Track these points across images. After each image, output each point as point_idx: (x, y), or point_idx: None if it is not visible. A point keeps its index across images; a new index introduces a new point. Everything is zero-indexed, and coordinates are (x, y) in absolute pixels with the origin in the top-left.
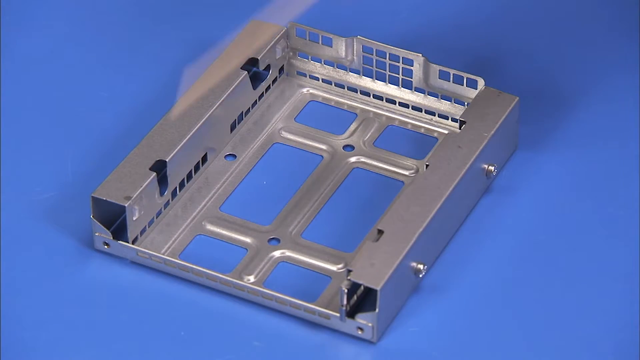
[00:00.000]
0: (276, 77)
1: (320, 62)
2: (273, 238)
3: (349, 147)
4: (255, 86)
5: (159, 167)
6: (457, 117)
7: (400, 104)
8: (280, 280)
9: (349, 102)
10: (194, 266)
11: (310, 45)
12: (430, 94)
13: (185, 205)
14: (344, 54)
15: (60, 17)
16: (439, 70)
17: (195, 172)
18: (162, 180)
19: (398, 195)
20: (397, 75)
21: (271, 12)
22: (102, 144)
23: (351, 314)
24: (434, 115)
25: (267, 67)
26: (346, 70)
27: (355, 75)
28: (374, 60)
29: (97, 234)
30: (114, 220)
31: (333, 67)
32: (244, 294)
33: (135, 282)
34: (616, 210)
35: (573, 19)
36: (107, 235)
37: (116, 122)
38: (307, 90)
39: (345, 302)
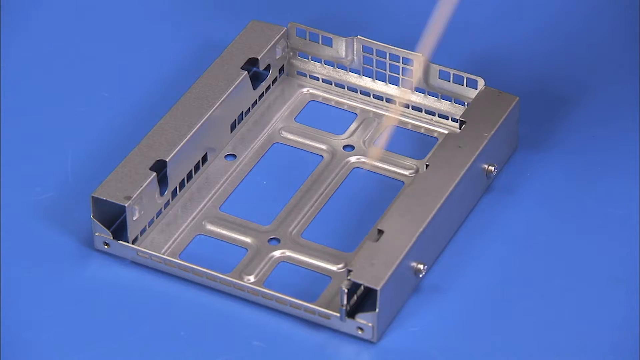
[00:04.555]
0: (276, 77)
1: (320, 62)
2: (273, 238)
3: (349, 147)
4: (255, 86)
5: (159, 167)
6: (457, 117)
7: (400, 104)
8: (280, 280)
9: (349, 102)
10: (194, 266)
11: (310, 45)
12: (430, 94)
13: (185, 205)
14: (344, 54)
15: (61, 17)
16: (439, 70)
17: (195, 172)
18: (162, 180)
19: (398, 195)
20: (397, 75)
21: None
22: (102, 144)
23: (351, 314)
24: (434, 115)
25: (267, 67)
26: (346, 70)
27: (355, 75)
28: (374, 60)
29: (97, 234)
30: (114, 220)
31: (333, 67)
32: (244, 294)
33: (135, 282)
34: (616, 210)
35: (573, 19)
36: (107, 235)
37: (116, 122)
38: (307, 90)
39: (345, 302)
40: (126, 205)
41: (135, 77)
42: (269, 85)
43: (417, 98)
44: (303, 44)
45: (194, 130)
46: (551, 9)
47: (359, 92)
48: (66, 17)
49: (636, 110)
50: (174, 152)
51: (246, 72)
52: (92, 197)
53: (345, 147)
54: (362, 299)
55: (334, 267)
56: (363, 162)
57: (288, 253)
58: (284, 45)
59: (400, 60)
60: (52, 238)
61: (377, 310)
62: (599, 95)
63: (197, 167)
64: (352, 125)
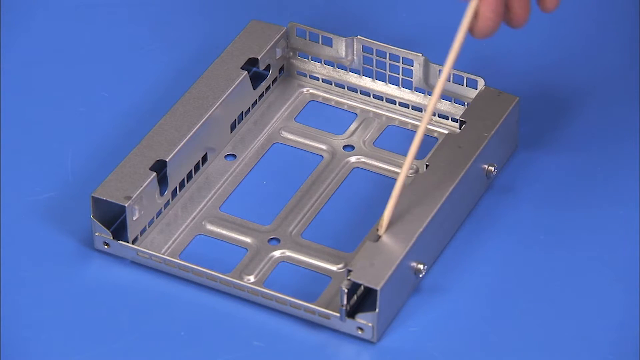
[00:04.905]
0: (276, 77)
1: (320, 62)
2: (273, 238)
3: (349, 147)
4: (255, 86)
5: (159, 167)
6: (457, 117)
7: (400, 104)
8: (280, 280)
9: (349, 102)
10: (194, 266)
11: (310, 45)
12: (430, 94)
13: (185, 205)
14: (344, 54)
15: (61, 17)
16: (439, 70)
17: (195, 172)
18: (162, 180)
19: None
20: (397, 75)
21: None
22: (102, 144)
23: (351, 314)
24: (434, 115)
25: (267, 67)
26: (346, 70)
27: (355, 75)
28: (374, 60)
29: (97, 234)
30: (114, 220)
31: (333, 67)
32: (244, 294)
33: (135, 282)
34: (616, 210)
35: (573, 19)
36: (107, 235)
37: (116, 122)
38: (307, 90)
39: (345, 302)
40: (126, 205)
41: (135, 77)
42: (269, 85)
43: (417, 98)
44: (303, 44)
45: (194, 130)
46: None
47: (359, 92)
48: (66, 18)
49: (636, 110)
50: (174, 152)
51: (246, 72)
52: (92, 197)
53: (345, 147)
54: (362, 299)
55: (334, 267)
56: (364, 163)
57: (288, 253)
58: (284, 45)
59: (400, 60)
60: (52, 238)
61: (377, 310)
62: (599, 95)
63: (197, 167)
64: (352, 125)
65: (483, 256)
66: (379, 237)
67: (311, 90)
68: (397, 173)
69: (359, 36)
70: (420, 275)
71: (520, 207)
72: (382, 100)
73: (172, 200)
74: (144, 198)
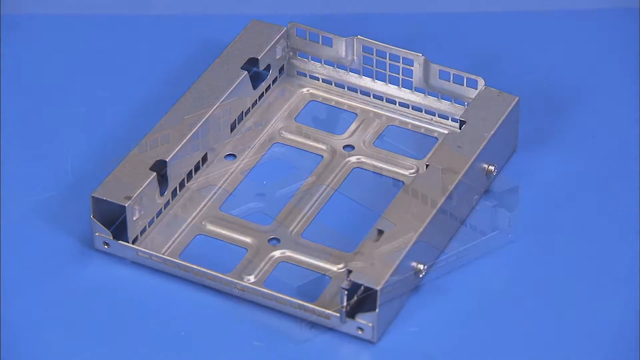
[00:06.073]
0: (276, 77)
1: (320, 62)
2: (273, 238)
3: (349, 147)
4: (255, 86)
5: (159, 167)
6: (457, 117)
7: (400, 104)
8: (280, 280)
9: (349, 102)
10: (194, 266)
11: (310, 45)
12: (430, 94)
13: (185, 205)
14: (344, 54)
15: (60, 16)
16: (439, 70)
17: (195, 172)
18: (162, 180)
19: (398, 195)
20: (397, 75)
21: None
22: (102, 144)
23: (351, 314)
24: (434, 115)
25: (267, 67)
26: (346, 70)
27: (355, 75)
28: (374, 60)
29: (97, 234)
30: (114, 220)
31: (333, 67)
32: (244, 294)
33: (135, 282)
34: (616, 210)
35: (573, 19)
36: (107, 235)
37: (116, 122)
38: (307, 90)
39: (345, 302)
40: (126, 205)
41: (135, 77)
42: (269, 85)
43: (417, 98)
44: (303, 44)
45: (194, 130)
46: (551, 9)
47: (359, 92)
48: (66, 17)
49: (636, 110)
50: (174, 152)
51: (246, 72)
52: (92, 197)
53: (345, 147)
54: (362, 299)
55: (334, 267)
56: (364, 163)
57: (288, 253)
58: (284, 45)
59: (400, 60)
60: (52, 238)
61: (377, 310)
62: (599, 95)
63: (197, 167)
64: (352, 125)
65: (483, 256)
66: (379, 237)
67: (311, 90)
68: (397, 173)
69: (359, 36)
70: (420, 275)
71: (521, 207)
72: (382, 100)
73: (172, 200)
74: (144, 198)
